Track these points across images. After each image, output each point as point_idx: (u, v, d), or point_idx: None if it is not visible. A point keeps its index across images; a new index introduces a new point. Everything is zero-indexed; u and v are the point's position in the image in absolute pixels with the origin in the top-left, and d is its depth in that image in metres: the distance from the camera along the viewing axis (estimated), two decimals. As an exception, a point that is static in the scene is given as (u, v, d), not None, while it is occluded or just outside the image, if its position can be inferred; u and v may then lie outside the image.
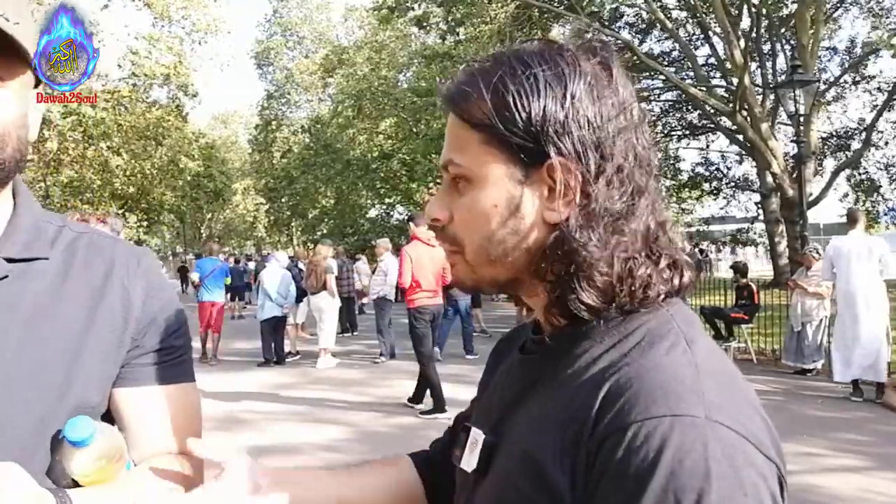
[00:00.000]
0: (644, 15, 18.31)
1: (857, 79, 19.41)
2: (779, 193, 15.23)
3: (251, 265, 19.09)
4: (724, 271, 19.78)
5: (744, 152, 18.73)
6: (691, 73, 17.66)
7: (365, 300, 11.46)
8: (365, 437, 5.36)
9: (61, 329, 0.79)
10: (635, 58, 15.17)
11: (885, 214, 20.98)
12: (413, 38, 25.22)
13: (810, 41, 14.52)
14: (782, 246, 15.86)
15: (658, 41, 20.24)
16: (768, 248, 18.50)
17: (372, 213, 27.39)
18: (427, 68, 22.25)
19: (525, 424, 0.63)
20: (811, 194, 14.90)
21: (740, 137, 16.36)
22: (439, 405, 5.83)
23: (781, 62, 17.96)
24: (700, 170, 22.43)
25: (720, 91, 17.06)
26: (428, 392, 6.07)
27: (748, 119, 14.62)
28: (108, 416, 0.86)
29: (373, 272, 9.34)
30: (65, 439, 0.74)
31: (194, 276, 9.80)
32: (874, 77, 19.28)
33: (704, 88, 16.07)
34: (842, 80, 19.22)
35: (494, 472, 0.65)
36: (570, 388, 0.59)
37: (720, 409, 0.52)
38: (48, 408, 0.76)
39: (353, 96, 24.49)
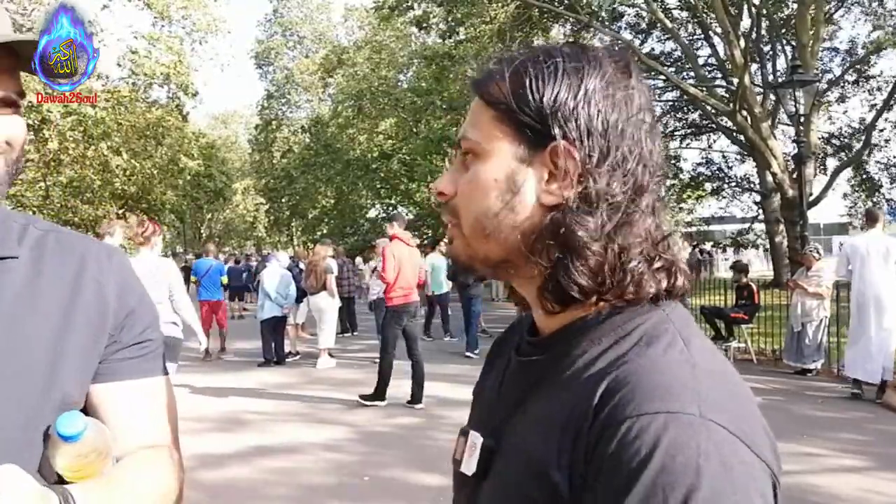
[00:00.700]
0: (644, 15, 18.31)
1: (858, 79, 19.42)
2: (779, 193, 15.23)
3: (253, 264, 19.08)
4: (724, 271, 19.79)
5: (744, 152, 18.73)
6: (692, 73, 17.66)
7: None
8: (365, 437, 5.36)
9: (41, 326, 0.79)
10: (636, 58, 15.13)
11: (886, 214, 20.98)
12: (413, 38, 25.22)
13: (810, 41, 14.51)
14: (782, 246, 15.86)
15: (659, 41, 20.25)
16: (768, 248, 18.50)
17: (372, 213, 27.39)
18: (427, 68, 22.27)
19: (525, 427, 0.63)
20: (811, 194, 14.90)
21: (741, 137, 16.36)
22: (380, 395, 6.26)
23: (781, 62, 17.97)
24: (702, 169, 22.46)
25: (720, 91, 17.06)
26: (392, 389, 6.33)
27: (748, 119, 14.62)
28: (86, 412, 0.85)
29: (373, 272, 9.33)
30: (56, 434, 0.74)
31: (193, 277, 10.15)
32: (875, 77, 19.30)
33: (705, 89, 16.08)
34: (843, 80, 19.22)
35: (495, 476, 0.65)
36: (569, 389, 0.59)
37: (715, 407, 0.52)
38: (34, 405, 0.77)
39: (353, 96, 24.49)
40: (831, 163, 19.36)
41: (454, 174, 0.68)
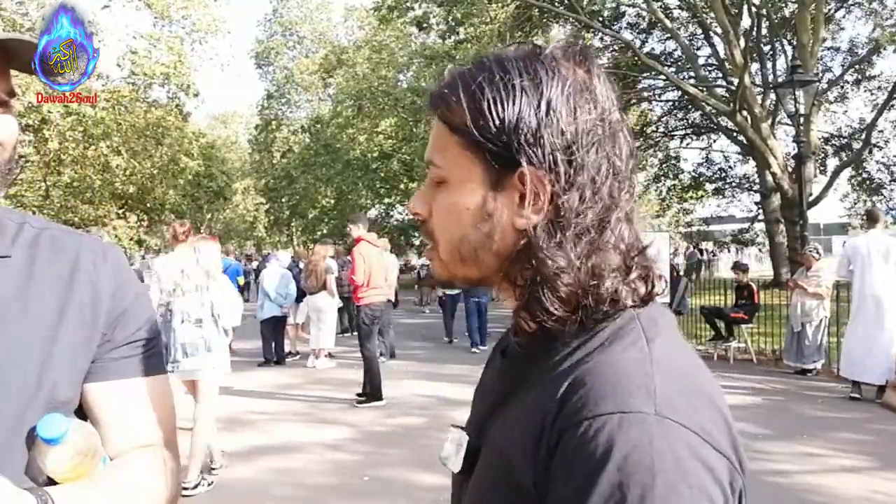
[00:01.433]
0: (644, 15, 18.30)
1: (859, 78, 19.41)
2: (779, 193, 15.23)
3: (254, 264, 19.04)
4: (724, 271, 19.79)
5: (744, 152, 18.73)
6: (692, 73, 17.66)
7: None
8: (365, 437, 5.36)
9: (31, 326, 0.79)
10: (636, 58, 15.18)
11: (888, 213, 20.97)
12: (413, 38, 25.20)
13: (810, 41, 14.51)
14: (782, 246, 15.86)
15: (659, 41, 20.24)
16: (768, 248, 18.50)
17: (372, 213, 27.37)
18: (427, 68, 22.24)
19: (502, 426, 0.64)
20: (811, 194, 14.90)
21: (741, 138, 16.35)
22: (376, 394, 6.31)
23: (781, 62, 17.96)
24: (702, 170, 22.44)
25: (720, 91, 17.06)
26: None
27: (748, 119, 14.62)
28: (81, 411, 0.86)
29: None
30: (38, 437, 0.74)
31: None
32: (875, 77, 19.29)
33: (705, 89, 16.07)
34: (843, 80, 19.21)
35: (476, 474, 0.67)
36: (538, 389, 0.60)
37: (669, 404, 0.53)
38: (23, 405, 0.76)
39: (353, 96, 24.47)
40: (831, 163, 19.37)
41: (426, 194, 0.69)
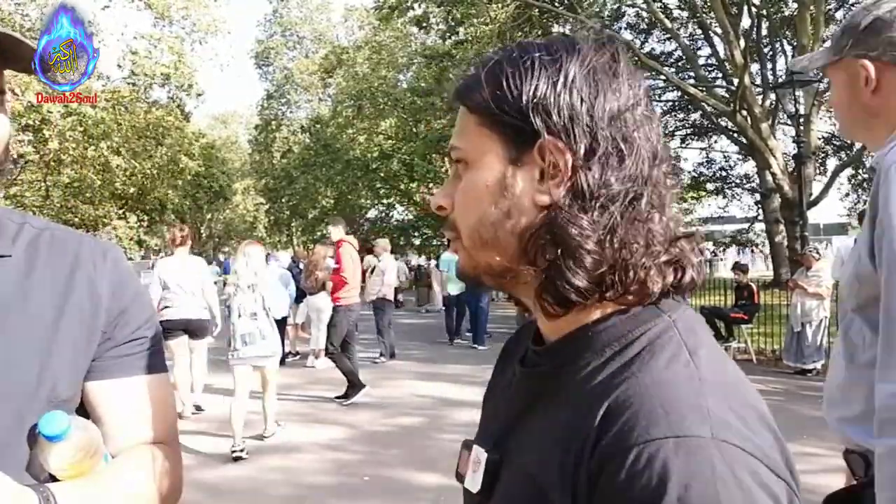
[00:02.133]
0: (644, 15, 18.31)
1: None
2: (779, 193, 15.24)
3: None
4: (724, 271, 19.79)
5: (744, 152, 18.74)
6: (692, 74, 17.67)
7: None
8: (365, 436, 5.36)
9: (31, 325, 0.79)
10: (636, 58, 15.16)
11: None
12: (413, 38, 25.21)
13: (811, 41, 14.51)
14: (782, 246, 15.86)
15: (659, 41, 20.25)
16: (768, 248, 18.50)
17: (372, 213, 27.39)
18: (427, 68, 22.27)
19: (527, 445, 0.61)
20: (811, 194, 14.90)
21: (741, 138, 16.36)
22: (356, 387, 6.38)
23: (781, 62, 17.97)
24: (703, 170, 22.43)
25: (720, 91, 17.07)
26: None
27: (748, 119, 14.63)
28: (82, 410, 0.86)
29: (372, 271, 9.34)
30: (40, 435, 0.74)
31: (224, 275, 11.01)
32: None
33: (704, 89, 16.08)
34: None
35: (499, 494, 0.64)
36: (570, 405, 0.57)
37: (727, 425, 0.49)
38: (23, 404, 0.77)
39: (352, 96, 24.48)
40: (831, 163, 19.38)
41: (450, 187, 0.67)
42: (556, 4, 16.38)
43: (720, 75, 18.29)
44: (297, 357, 9.51)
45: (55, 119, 14.23)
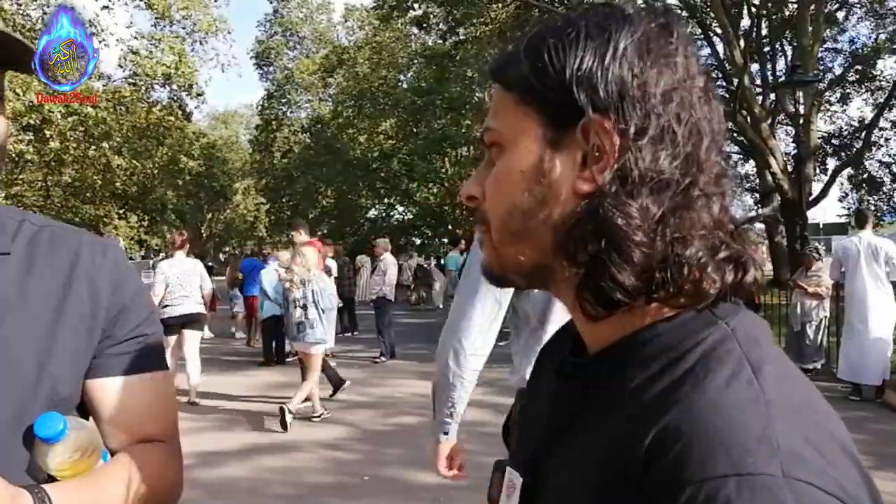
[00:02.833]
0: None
1: (860, 78, 19.39)
2: (779, 193, 15.23)
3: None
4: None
5: (744, 152, 18.72)
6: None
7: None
8: (365, 436, 5.37)
9: (30, 323, 0.79)
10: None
11: (889, 213, 20.93)
12: (413, 38, 25.20)
13: (811, 41, 14.52)
14: (782, 246, 15.86)
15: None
16: (768, 248, 18.49)
17: (372, 213, 27.36)
18: (427, 68, 22.25)
19: (565, 469, 0.55)
20: (811, 194, 14.89)
21: (741, 138, 16.35)
22: (338, 383, 6.62)
23: (781, 62, 17.97)
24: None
25: (720, 91, 17.02)
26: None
27: (748, 119, 14.62)
28: (82, 408, 0.86)
29: (372, 271, 9.35)
30: (36, 436, 0.74)
31: (239, 274, 11.81)
32: (876, 77, 19.28)
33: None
34: (844, 80, 19.20)
35: None
36: (612, 427, 0.50)
37: (801, 461, 0.42)
38: (23, 403, 0.76)
39: (353, 96, 24.46)
40: (831, 163, 19.37)
41: (481, 174, 0.60)
42: (556, 5, 16.38)
43: (720, 75, 18.27)
44: (298, 357, 9.50)
45: (56, 119, 14.23)
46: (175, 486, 0.90)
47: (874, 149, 18.96)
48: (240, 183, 39.30)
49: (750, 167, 20.62)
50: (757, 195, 19.30)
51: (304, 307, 5.67)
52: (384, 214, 26.65)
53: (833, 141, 20.18)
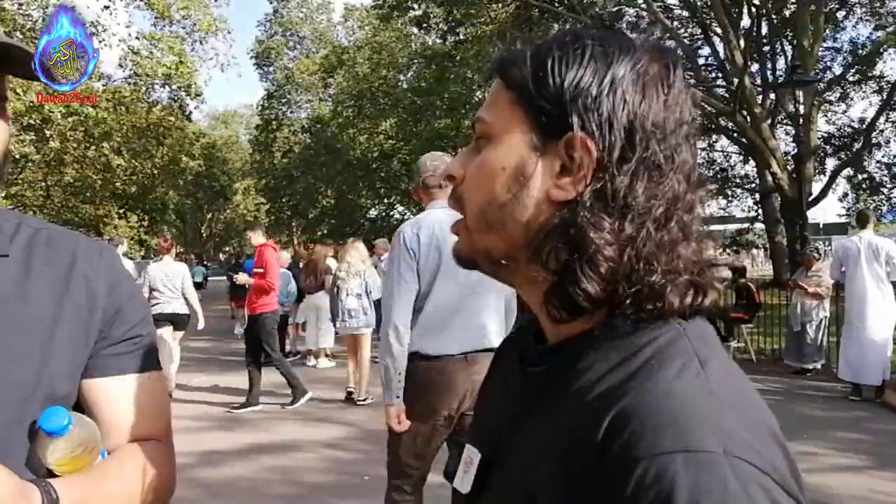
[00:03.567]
0: (644, 15, 18.30)
1: (861, 78, 19.39)
2: (779, 193, 15.24)
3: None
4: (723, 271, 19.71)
5: (744, 152, 18.73)
6: (692, 74, 17.65)
7: None
8: (365, 436, 5.36)
9: (29, 323, 0.80)
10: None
11: (889, 212, 20.92)
12: (413, 38, 25.19)
13: (811, 41, 14.51)
14: (782, 246, 15.86)
15: (659, 41, 20.24)
16: (768, 248, 18.50)
17: (372, 213, 27.36)
18: (427, 68, 22.25)
19: (523, 451, 0.58)
20: (811, 194, 14.90)
21: (741, 138, 16.36)
22: (299, 391, 6.47)
23: (781, 62, 17.97)
24: (703, 169, 22.37)
25: (720, 91, 17.07)
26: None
27: (748, 119, 14.63)
28: (78, 407, 0.87)
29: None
30: (41, 429, 0.75)
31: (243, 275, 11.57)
32: (876, 77, 19.28)
33: (704, 89, 16.07)
34: (844, 80, 19.20)
35: (489, 498, 0.62)
36: (570, 412, 0.54)
37: (739, 441, 0.46)
38: (22, 400, 0.77)
39: (353, 96, 24.46)
40: (831, 163, 19.37)
41: (466, 157, 0.64)
42: (557, 4, 16.38)
43: (720, 75, 18.28)
44: (298, 357, 9.52)
45: (56, 119, 14.23)
46: (170, 483, 0.92)
47: (874, 149, 18.96)
48: (240, 183, 39.32)
49: (750, 167, 20.67)
50: (757, 195, 19.33)
51: (359, 295, 6.36)
52: (384, 214, 26.65)
53: (833, 141, 20.17)
